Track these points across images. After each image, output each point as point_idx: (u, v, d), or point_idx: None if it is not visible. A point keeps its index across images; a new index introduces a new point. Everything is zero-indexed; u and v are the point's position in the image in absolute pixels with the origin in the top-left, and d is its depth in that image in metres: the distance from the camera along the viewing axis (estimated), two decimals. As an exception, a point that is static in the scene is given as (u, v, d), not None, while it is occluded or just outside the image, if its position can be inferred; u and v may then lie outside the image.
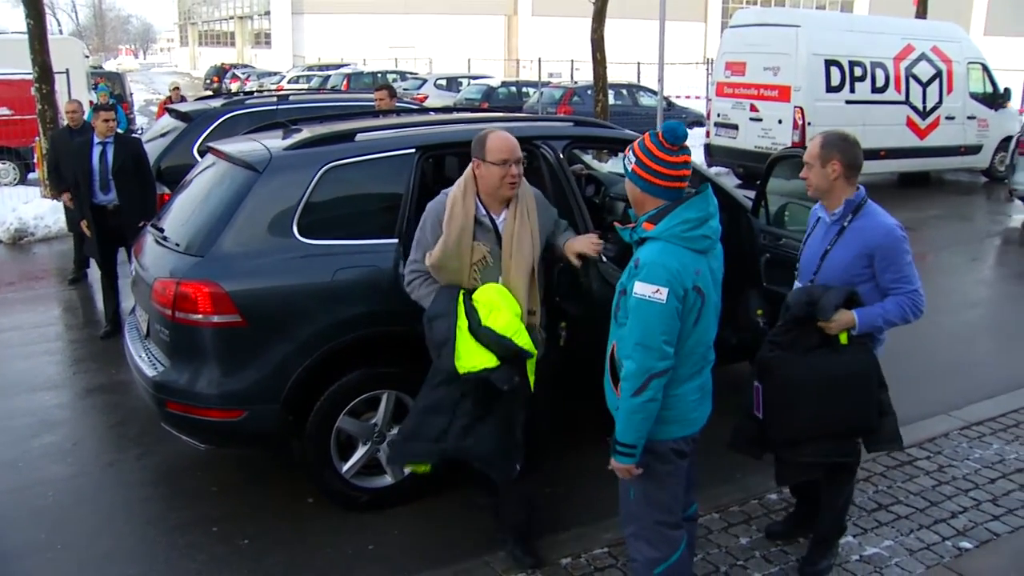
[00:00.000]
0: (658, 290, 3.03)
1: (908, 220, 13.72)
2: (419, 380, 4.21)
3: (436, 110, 7.80)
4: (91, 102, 16.16)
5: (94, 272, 9.58)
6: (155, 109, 28.44)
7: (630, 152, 3.21)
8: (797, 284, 4.23)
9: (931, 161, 17.92)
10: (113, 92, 23.09)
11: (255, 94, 11.64)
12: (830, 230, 4.08)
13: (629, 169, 3.20)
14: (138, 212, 7.80)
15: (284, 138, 5.19)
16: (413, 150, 5.00)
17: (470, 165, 4.07)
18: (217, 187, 5.01)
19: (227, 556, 4.61)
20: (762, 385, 3.87)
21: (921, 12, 23.27)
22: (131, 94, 27.98)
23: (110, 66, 54.56)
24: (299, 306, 4.60)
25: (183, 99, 17.46)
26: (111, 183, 8.12)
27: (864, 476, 5.24)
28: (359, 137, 5.07)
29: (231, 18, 73.63)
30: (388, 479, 4.98)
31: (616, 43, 32.31)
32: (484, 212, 4.08)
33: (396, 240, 4.81)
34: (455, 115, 6.32)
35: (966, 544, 4.64)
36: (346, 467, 4.86)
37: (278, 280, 4.60)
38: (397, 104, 9.16)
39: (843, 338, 3.89)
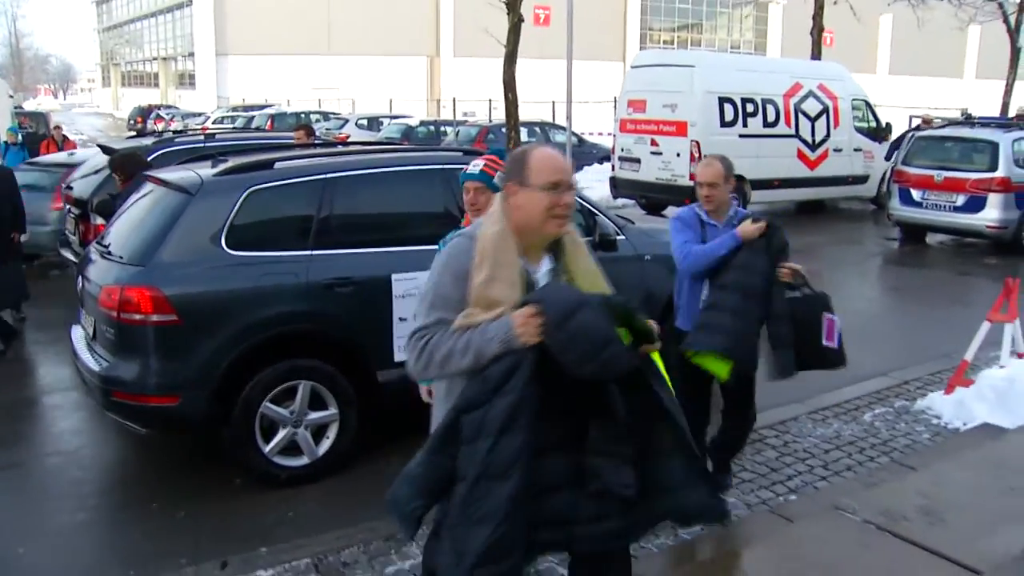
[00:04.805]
0: None
1: (806, 244, 15.21)
2: (333, 372, 5.40)
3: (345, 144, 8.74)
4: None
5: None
6: (80, 149, 28.69)
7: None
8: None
9: (822, 190, 19.21)
10: (38, 132, 23.55)
11: (183, 133, 12.37)
12: (724, 231, 5.03)
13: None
14: None
15: (213, 167, 6.00)
16: (322, 176, 5.89)
17: (496, 197, 3.15)
18: (155, 208, 5.81)
19: (166, 525, 5.33)
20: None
21: (816, 54, 24.80)
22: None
23: (29, 106, 54.33)
24: (226, 307, 5.41)
25: (65, 138, 18.24)
26: None
27: (717, 450, 6.14)
28: (277, 166, 5.93)
29: (155, 59, 73.67)
30: (305, 459, 5.76)
31: (535, 82, 33.52)
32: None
33: (309, 252, 5.69)
34: (358, 147, 7.20)
35: (793, 498, 5.57)
36: (268, 448, 5.63)
37: (209, 285, 5.41)
38: (315, 141, 10.01)
39: None
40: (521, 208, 3.00)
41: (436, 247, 5.94)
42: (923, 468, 5.70)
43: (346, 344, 5.85)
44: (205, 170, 5.96)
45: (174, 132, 13.18)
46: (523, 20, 19.12)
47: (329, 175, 5.94)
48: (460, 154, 6.96)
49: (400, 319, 5.89)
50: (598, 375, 2.85)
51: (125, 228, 6.04)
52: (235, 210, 5.58)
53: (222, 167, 5.91)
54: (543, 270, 3.08)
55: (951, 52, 70.14)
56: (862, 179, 19.75)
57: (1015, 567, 3.94)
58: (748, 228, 4.85)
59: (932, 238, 16.40)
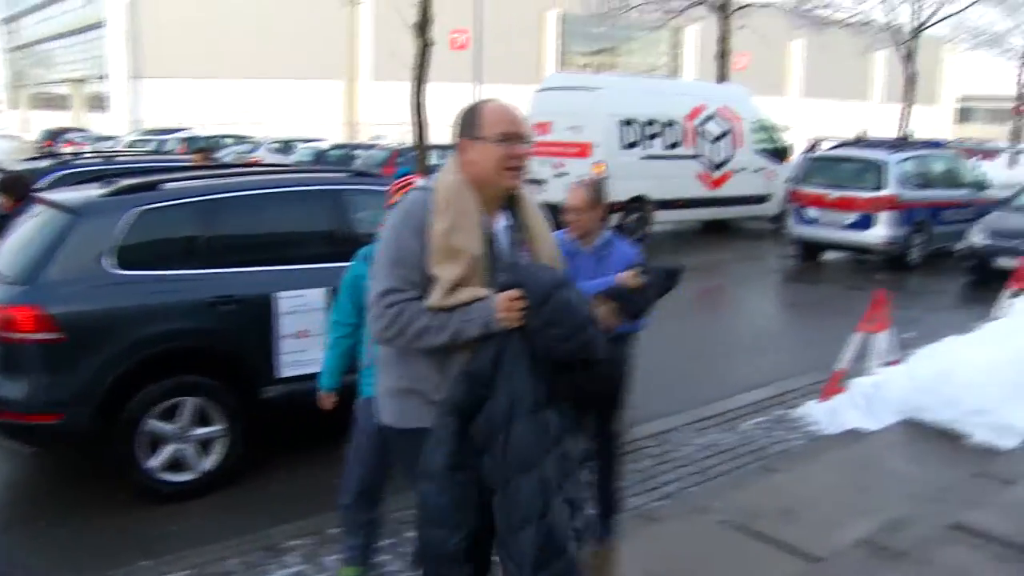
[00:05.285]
0: None
1: (711, 262, 15.70)
2: (217, 388, 5.55)
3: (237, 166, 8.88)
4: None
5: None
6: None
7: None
8: None
9: (725, 210, 19.76)
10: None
11: (80, 156, 12.39)
12: (590, 258, 4.87)
13: None
14: None
15: (102, 188, 6.11)
16: (208, 197, 6.03)
17: (449, 155, 3.14)
18: (43, 229, 5.88)
19: (51, 543, 5.38)
20: None
21: (722, 77, 25.47)
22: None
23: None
24: (112, 325, 5.50)
25: None
26: None
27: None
28: (164, 187, 6.05)
29: (65, 81, 72.32)
30: (191, 474, 5.86)
31: (455, 104, 33.66)
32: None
33: (194, 271, 5.84)
34: (246, 170, 7.36)
35: (665, 503, 5.82)
36: (153, 463, 5.72)
37: (95, 304, 5.51)
38: (211, 163, 10.15)
39: None
40: (475, 163, 2.99)
41: (322, 265, 6.18)
42: (787, 471, 6.01)
43: (231, 361, 5.98)
44: (93, 191, 6.08)
45: (72, 155, 13.14)
46: (432, 44, 19.33)
47: (215, 196, 6.08)
48: (347, 175, 7.16)
49: (284, 336, 6.04)
50: (573, 355, 2.88)
51: (12, 248, 6.09)
52: (120, 230, 5.68)
53: (109, 188, 6.03)
54: (501, 225, 3.06)
55: (859, 76, 72.27)
56: (764, 198, 20.33)
57: (852, 552, 4.24)
58: (625, 279, 4.93)
59: (827, 255, 16.98)
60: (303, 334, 6.08)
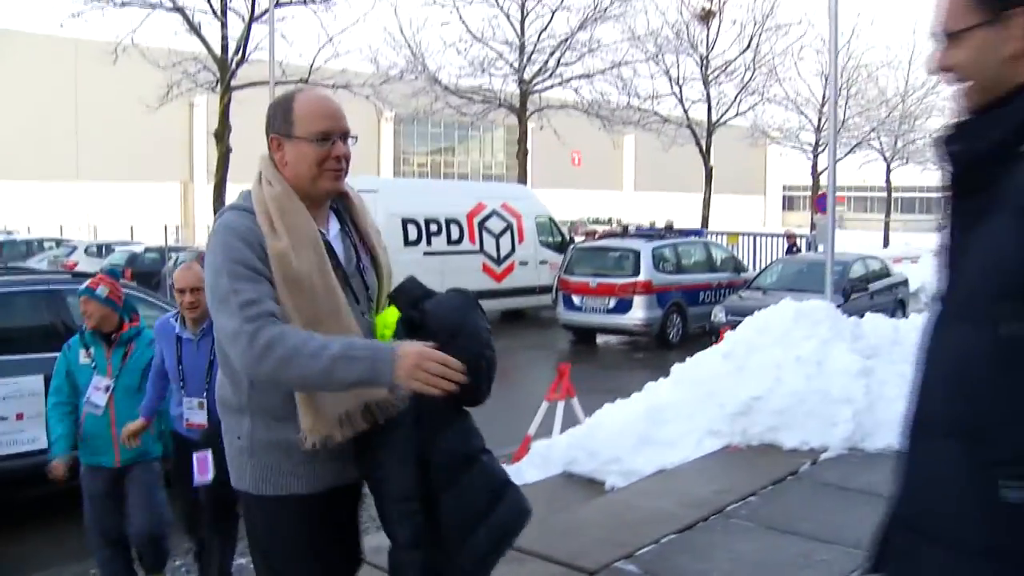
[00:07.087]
0: None
1: (504, 348, 16.68)
2: None
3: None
4: None
5: None
6: None
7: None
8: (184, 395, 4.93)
9: (510, 300, 21.12)
10: None
11: None
12: (203, 343, 4.79)
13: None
14: None
15: None
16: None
17: (264, 157, 2.74)
18: None
19: None
20: None
21: (522, 175, 27.07)
22: None
23: None
24: None
25: None
26: None
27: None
28: None
29: None
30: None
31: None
32: None
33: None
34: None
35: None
36: None
37: None
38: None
39: None
40: (288, 164, 2.63)
41: (37, 355, 7.06)
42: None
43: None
44: None
45: None
46: (231, 151, 20.31)
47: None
48: (67, 276, 8.10)
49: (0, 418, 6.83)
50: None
51: None
52: None
53: None
54: (333, 232, 2.74)
55: (689, 170, 75.76)
56: (548, 289, 21.33)
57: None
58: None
59: (601, 338, 18.41)
60: (20, 416, 6.88)
